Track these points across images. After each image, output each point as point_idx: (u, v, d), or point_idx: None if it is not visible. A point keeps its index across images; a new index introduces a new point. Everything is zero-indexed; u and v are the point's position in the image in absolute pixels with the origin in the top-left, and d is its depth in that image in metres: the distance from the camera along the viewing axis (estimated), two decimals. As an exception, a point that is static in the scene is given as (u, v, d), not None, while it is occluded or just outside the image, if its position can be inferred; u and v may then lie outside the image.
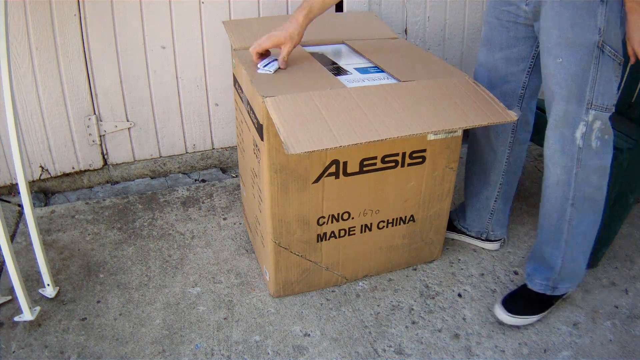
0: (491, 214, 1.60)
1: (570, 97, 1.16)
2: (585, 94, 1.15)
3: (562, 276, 1.35)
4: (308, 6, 1.26)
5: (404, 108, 1.15)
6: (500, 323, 1.38)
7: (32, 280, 1.49)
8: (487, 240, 1.66)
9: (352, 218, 1.38)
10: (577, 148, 1.20)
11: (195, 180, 2.05)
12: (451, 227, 1.68)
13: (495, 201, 1.57)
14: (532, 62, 1.35)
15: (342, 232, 1.39)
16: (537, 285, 1.38)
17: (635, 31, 1.09)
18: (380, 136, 1.05)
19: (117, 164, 1.98)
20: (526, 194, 1.95)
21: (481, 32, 1.43)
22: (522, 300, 1.39)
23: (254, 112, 1.25)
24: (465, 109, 1.17)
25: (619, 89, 1.67)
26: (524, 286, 1.42)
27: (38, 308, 1.35)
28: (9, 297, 1.41)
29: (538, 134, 1.43)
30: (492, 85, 1.40)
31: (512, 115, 1.17)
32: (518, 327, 1.37)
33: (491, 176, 1.53)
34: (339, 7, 1.94)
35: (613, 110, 1.18)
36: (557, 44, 1.15)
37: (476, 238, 1.67)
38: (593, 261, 1.56)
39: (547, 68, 1.20)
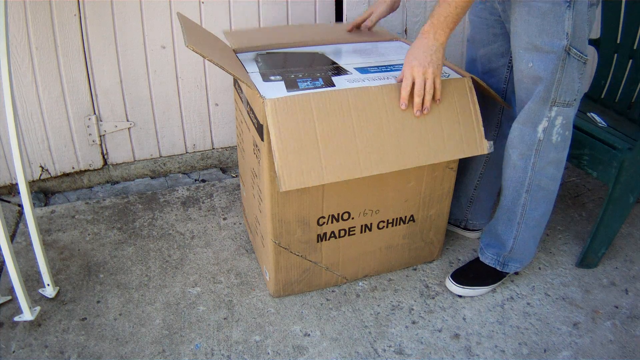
0: (470, 201, 1.63)
1: (536, 98, 1.21)
2: (551, 95, 1.20)
3: (512, 255, 1.44)
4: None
5: (391, 134, 1.21)
6: (454, 295, 1.47)
7: (32, 280, 1.49)
8: (467, 229, 1.70)
9: (352, 218, 1.38)
10: (537, 140, 1.26)
11: (195, 180, 2.05)
12: None
13: (475, 189, 1.60)
14: (511, 57, 1.37)
15: (342, 232, 1.39)
16: (488, 259, 1.47)
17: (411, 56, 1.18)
18: (362, 173, 1.19)
19: (117, 164, 1.98)
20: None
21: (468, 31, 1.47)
22: (472, 273, 1.48)
23: (253, 113, 1.25)
24: (446, 136, 1.26)
25: (606, 85, 1.68)
26: (477, 259, 1.51)
27: (38, 308, 1.35)
28: (9, 297, 1.41)
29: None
30: None
31: (485, 148, 1.27)
32: (469, 297, 1.46)
33: (471, 163, 1.57)
34: (339, 7, 1.94)
35: (575, 105, 1.23)
36: (527, 50, 1.17)
37: (454, 225, 1.70)
38: (593, 261, 1.56)
39: (519, 72, 1.23)
